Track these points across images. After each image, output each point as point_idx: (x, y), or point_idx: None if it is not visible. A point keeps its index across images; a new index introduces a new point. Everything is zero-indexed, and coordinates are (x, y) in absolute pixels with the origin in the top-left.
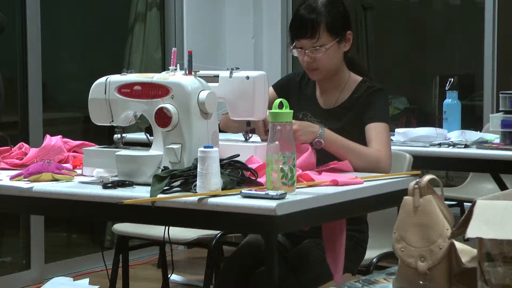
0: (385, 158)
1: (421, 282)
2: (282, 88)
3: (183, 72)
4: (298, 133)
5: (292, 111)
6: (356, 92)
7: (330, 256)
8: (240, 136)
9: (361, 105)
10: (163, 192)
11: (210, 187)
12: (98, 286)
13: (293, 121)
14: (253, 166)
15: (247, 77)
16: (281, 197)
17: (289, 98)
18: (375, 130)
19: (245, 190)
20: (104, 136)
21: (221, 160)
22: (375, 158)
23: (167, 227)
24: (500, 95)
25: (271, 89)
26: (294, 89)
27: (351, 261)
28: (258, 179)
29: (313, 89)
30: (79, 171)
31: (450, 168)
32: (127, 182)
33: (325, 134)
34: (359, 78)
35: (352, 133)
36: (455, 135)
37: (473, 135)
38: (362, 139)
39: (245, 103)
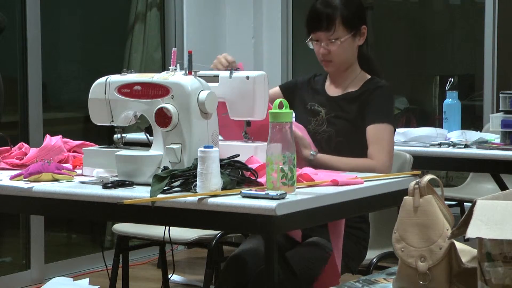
0: (380, 165)
1: (421, 282)
2: (288, 87)
3: (183, 72)
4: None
5: (292, 111)
6: (364, 87)
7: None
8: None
9: (364, 101)
10: (163, 192)
11: (210, 187)
12: (98, 286)
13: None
14: (253, 166)
15: (247, 77)
16: (281, 197)
17: (296, 94)
18: (373, 132)
19: (245, 190)
20: (104, 136)
21: (221, 160)
22: (368, 169)
23: (167, 227)
24: (500, 95)
25: (277, 88)
26: (302, 85)
27: (352, 259)
28: (258, 179)
29: (323, 83)
30: (79, 171)
31: (450, 168)
32: (127, 182)
33: (316, 159)
34: (369, 76)
35: (361, 130)
36: (455, 135)
37: (473, 135)
38: None
39: (245, 103)
